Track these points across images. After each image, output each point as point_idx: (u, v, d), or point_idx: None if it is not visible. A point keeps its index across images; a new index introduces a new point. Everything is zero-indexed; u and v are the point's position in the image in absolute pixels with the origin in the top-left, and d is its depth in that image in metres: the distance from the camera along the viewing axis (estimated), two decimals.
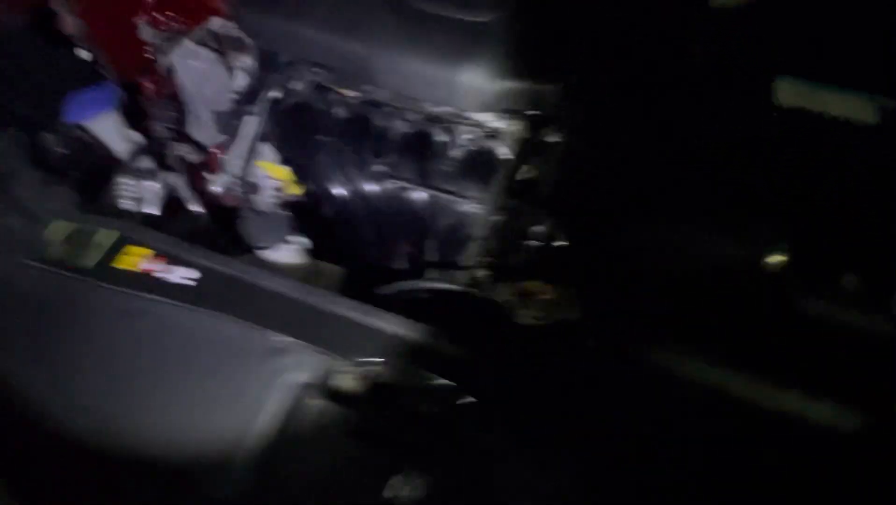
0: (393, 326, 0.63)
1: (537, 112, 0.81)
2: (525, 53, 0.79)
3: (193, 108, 1.12)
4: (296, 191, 0.86)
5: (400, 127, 0.88)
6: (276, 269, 0.77)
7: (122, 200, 0.83)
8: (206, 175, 1.12)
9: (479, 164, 0.83)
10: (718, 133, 0.76)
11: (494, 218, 0.80)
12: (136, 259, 0.70)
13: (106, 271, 0.69)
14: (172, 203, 0.92)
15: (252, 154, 0.90)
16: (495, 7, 0.80)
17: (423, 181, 0.83)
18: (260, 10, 0.86)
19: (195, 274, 0.68)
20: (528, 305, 0.63)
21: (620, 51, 0.82)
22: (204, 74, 1.06)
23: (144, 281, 0.68)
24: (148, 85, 1.14)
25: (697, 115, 0.78)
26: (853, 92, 0.74)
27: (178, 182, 0.94)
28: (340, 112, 0.90)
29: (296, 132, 0.88)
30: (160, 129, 1.07)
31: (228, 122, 0.97)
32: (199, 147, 1.11)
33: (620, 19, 0.83)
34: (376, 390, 0.60)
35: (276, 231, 0.70)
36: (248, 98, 0.96)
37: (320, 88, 0.92)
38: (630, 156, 0.77)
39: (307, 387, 0.60)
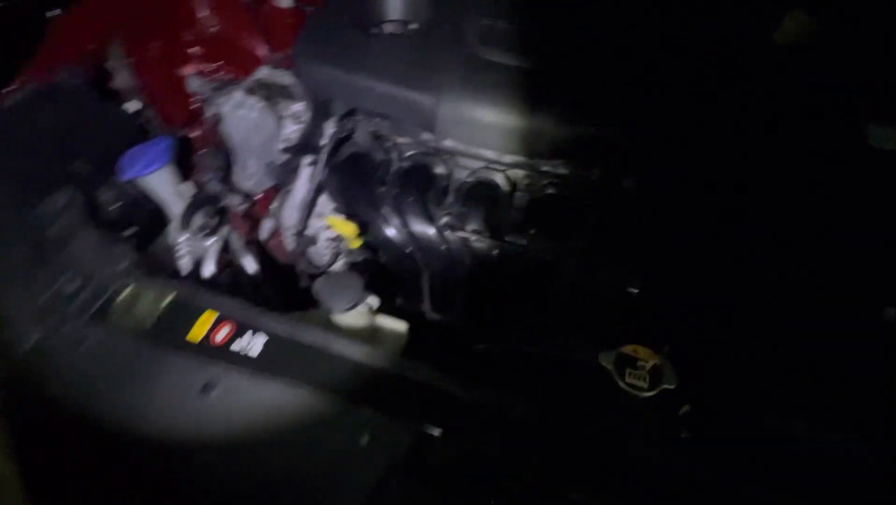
0: (479, 394, 0.57)
1: (609, 157, 0.77)
2: (594, 100, 0.76)
3: (241, 158, 1.11)
4: (356, 245, 0.82)
5: (463, 176, 0.85)
6: (340, 332, 0.73)
7: (179, 258, 0.80)
8: (253, 226, 1.11)
9: (548, 213, 0.79)
10: (809, 174, 0.72)
11: (570, 268, 0.76)
12: (201, 324, 0.66)
13: (169, 335, 0.66)
14: (224, 258, 0.89)
15: (308, 206, 0.88)
16: (561, 56, 0.78)
17: (491, 232, 0.80)
18: (321, 60, 0.86)
19: (262, 339, 0.64)
20: (629, 373, 0.58)
21: (690, 93, 0.79)
22: (253, 124, 1.05)
23: (210, 348, 0.64)
24: (197, 136, 1.14)
25: (780, 156, 0.74)
26: None
27: (232, 236, 0.91)
28: (402, 162, 0.88)
29: (356, 183, 0.86)
30: (209, 179, 1.06)
31: (282, 172, 0.95)
32: (247, 197, 1.10)
33: (687, 61, 0.81)
34: (466, 464, 0.54)
35: (352, 293, 0.66)
36: (302, 147, 0.94)
37: (379, 138, 0.91)
38: (712, 199, 0.73)
39: (391, 463, 0.54)
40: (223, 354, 0.62)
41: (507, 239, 0.80)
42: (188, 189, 0.98)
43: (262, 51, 1.19)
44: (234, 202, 1.01)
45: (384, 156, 0.88)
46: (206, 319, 0.66)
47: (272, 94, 1.10)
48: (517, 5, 0.86)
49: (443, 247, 0.83)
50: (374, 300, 0.68)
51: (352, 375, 0.62)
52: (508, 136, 0.79)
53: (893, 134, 0.70)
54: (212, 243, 0.84)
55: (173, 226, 0.97)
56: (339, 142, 0.89)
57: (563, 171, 0.81)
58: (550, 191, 0.81)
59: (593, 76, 0.77)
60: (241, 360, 0.62)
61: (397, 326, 0.78)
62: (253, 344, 0.63)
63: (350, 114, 0.90)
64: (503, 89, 0.78)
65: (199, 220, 0.86)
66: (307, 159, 0.93)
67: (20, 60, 1.00)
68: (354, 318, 0.70)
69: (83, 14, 1.06)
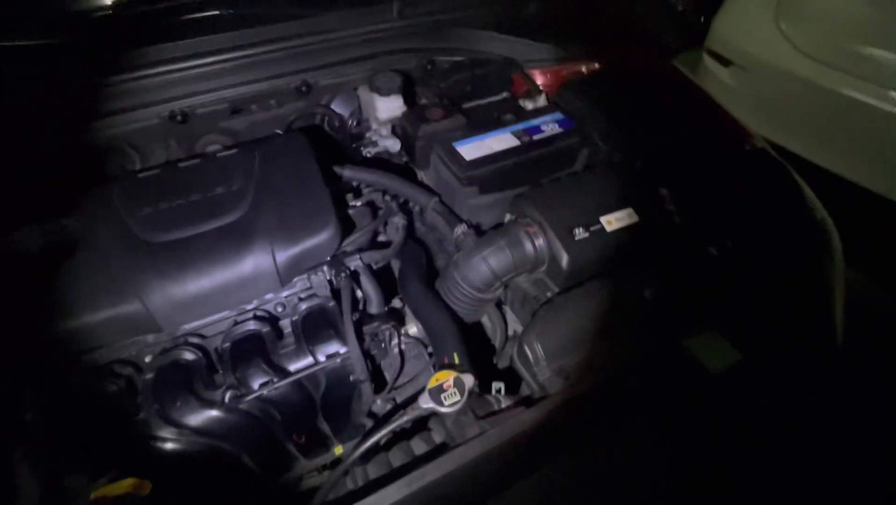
0: None
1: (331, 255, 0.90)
2: (284, 225, 0.86)
3: None
4: (146, 491, 0.70)
5: (217, 345, 0.83)
6: None
7: None
8: None
9: (316, 325, 0.86)
10: None
11: (357, 354, 0.83)
12: None
13: None
14: None
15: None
16: (239, 205, 0.86)
17: (276, 373, 0.81)
18: None
19: None
20: (445, 398, 0.70)
21: None
22: None
23: None
24: None
25: None
26: None
27: None
28: (146, 375, 0.79)
29: (102, 432, 0.73)
30: None
31: None
32: None
33: None
34: None
35: None
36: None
37: (99, 370, 0.79)
38: None
39: None
40: None
41: (293, 370, 0.82)
42: None
43: None
44: None
45: (119, 384, 0.78)
46: None
47: None
48: (171, 186, 0.89)
49: (243, 419, 0.79)
50: None
51: None
52: (233, 289, 0.82)
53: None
54: None
55: None
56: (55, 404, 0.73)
57: (304, 283, 0.89)
58: (304, 307, 0.88)
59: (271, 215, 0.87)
60: None
61: None
62: None
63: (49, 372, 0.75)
64: (202, 256, 0.80)
65: None
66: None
67: None
68: None
69: None
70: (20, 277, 0.77)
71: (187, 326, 0.84)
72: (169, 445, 0.76)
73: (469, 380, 0.71)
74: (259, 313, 0.88)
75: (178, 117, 1.08)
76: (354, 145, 1.26)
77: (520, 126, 1.09)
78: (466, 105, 1.16)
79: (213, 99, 1.11)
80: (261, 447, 0.84)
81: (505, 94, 1.23)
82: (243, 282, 0.82)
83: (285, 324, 0.89)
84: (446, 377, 0.71)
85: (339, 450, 0.98)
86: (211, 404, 0.77)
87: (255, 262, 0.82)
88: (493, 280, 0.90)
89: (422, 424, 0.82)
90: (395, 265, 1.02)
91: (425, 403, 0.69)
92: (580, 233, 0.90)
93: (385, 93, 1.12)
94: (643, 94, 1.22)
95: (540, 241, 0.90)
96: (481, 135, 1.06)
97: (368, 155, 1.21)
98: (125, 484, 0.66)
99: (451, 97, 1.17)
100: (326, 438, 0.94)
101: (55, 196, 0.99)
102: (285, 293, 0.89)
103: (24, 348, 0.74)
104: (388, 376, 0.93)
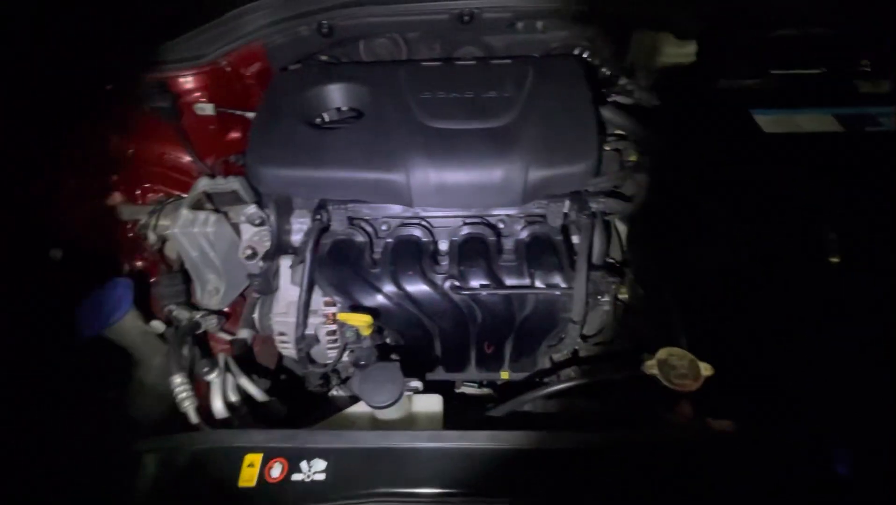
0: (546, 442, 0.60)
1: (576, 190, 0.86)
2: (545, 145, 0.84)
3: (200, 276, 1.04)
4: (368, 333, 0.81)
5: (449, 236, 0.89)
6: (389, 424, 0.71)
7: (181, 402, 0.73)
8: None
9: (542, 251, 0.85)
10: None
11: (582, 295, 0.80)
12: (249, 468, 0.61)
13: (219, 489, 0.60)
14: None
15: (305, 306, 0.85)
16: (507, 112, 0.87)
17: (493, 282, 0.83)
18: (280, 161, 0.85)
19: (321, 463, 0.61)
20: (674, 374, 0.64)
21: None
22: (209, 239, 1.00)
23: (273, 487, 0.59)
24: (143, 265, 1.05)
25: None
26: None
27: (229, 364, 0.84)
28: (388, 238, 0.89)
29: (348, 270, 0.85)
30: (173, 310, 0.97)
31: (263, 279, 0.91)
32: (220, 315, 1.03)
33: None
34: None
35: (395, 386, 0.65)
36: (277, 249, 0.91)
37: (354, 222, 0.91)
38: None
39: None
40: (289, 490, 0.58)
41: (509, 284, 0.84)
42: (158, 326, 0.90)
43: (190, 162, 1.15)
44: (213, 325, 0.94)
45: (365, 237, 0.89)
46: (252, 461, 0.61)
47: (221, 203, 1.06)
48: (450, 79, 0.93)
49: (452, 308, 0.84)
50: (417, 384, 0.68)
51: (420, 466, 0.61)
52: (481, 190, 0.84)
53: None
54: (215, 378, 0.77)
55: (147, 370, 0.88)
56: (318, 234, 0.88)
57: (538, 210, 0.88)
58: (535, 231, 0.88)
59: (538, 126, 0.85)
60: (311, 487, 0.58)
61: (431, 400, 0.77)
62: (314, 471, 0.60)
63: (322, 206, 0.89)
64: (465, 151, 0.83)
65: (184, 358, 0.78)
66: (286, 260, 0.90)
67: None
68: (399, 407, 0.69)
69: None
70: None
71: (430, 211, 0.90)
72: (385, 301, 0.85)
73: (707, 369, 0.63)
74: (486, 222, 0.91)
75: (466, 17, 1.11)
76: (603, 90, 1.16)
77: (847, 110, 0.86)
78: (778, 71, 0.96)
79: (500, 5, 1.10)
80: (453, 338, 0.90)
81: (828, 69, 0.98)
82: (490, 187, 0.83)
83: (506, 241, 0.90)
84: (682, 356, 0.64)
85: (505, 375, 1.01)
86: (433, 285, 0.84)
87: (507, 172, 0.82)
88: None
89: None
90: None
91: (650, 370, 0.64)
92: None
93: (682, 35, 0.99)
94: None
95: (835, 258, 0.73)
96: (791, 109, 0.87)
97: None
98: (362, 318, 0.76)
99: (760, 57, 0.98)
100: (502, 359, 0.96)
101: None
102: (518, 211, 0.89)
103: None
104: (585, 329, 0.90)
